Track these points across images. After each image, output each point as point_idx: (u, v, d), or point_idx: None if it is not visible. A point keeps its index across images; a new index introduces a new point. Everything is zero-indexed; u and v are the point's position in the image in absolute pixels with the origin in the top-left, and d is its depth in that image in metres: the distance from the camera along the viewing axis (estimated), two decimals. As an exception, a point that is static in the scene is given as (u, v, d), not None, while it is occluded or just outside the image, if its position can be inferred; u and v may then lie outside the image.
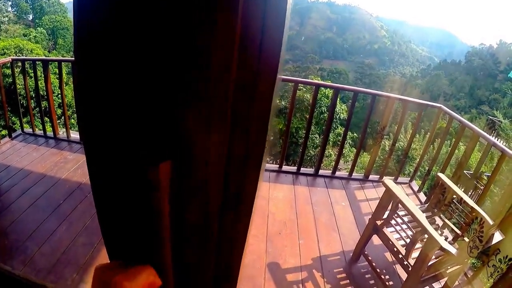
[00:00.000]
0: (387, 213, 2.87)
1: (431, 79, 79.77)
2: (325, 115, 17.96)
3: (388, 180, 2.85)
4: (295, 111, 17.82)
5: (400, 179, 4.97)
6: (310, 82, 5.06)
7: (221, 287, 0.54)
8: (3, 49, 24.94)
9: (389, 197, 2.80)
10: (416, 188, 4.77)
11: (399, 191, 2.71)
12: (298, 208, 3.91)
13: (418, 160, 5.13)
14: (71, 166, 4.48)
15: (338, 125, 18.59)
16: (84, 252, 3.01)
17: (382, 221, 2.87)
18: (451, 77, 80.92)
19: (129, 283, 0.41)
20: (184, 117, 0.38)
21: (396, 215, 2.81)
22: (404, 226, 2.83)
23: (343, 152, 19.56)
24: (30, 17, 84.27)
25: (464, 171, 5.80)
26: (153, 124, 0.37)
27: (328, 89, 17.87)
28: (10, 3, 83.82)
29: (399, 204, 2.69)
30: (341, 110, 19.06)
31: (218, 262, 0.54)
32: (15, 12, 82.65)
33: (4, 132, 5.33)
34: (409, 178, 5.00)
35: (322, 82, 5.25)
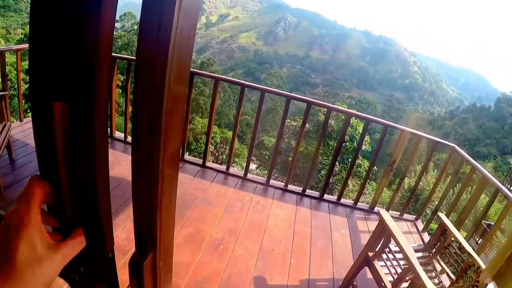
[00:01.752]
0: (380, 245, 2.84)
1: (459, 122, 78.67)
2: (347, 143, 17.89)
3: (383, 211, 2.82)
4: (316, 136, 17.85)
5: (406, 216, 4.86)
6: (322, 104, 5.00)
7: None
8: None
9: (382, 229, 2.77)
10: (421, 227, 4.68)
11: (393, 224, 2.68)
12: (297, 228, 3.90)
13: (431, 199, 5.03)
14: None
15: (359, 156, 18.43)
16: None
17: (374, 253, 2.85)
18: (479, 122, 79.65)
19: (26, 185, 0.55)
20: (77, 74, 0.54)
21: (388, 249, 2.78)
22: (395, 262, 2.77)
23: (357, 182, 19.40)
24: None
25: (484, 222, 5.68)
26: (57, 78, 0.54)
27: (353, 118, 17.89)
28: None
29: (392, 239, 2.66)
30: (363, 141, 18.92)
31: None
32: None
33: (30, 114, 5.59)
34: (415, 216, 4.91)
35: (334, 106, 5.12)
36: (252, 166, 34.95)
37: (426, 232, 4.61)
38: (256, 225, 3.75)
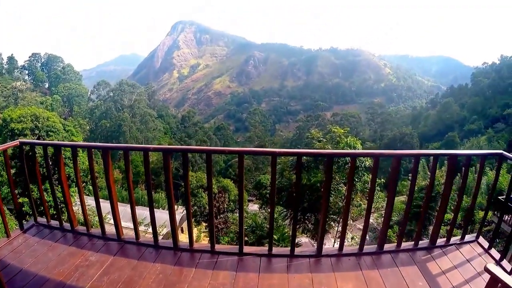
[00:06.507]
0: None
1: (442, 108, 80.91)
2: (349, 164, 17.48)
3: (493, 267, 2.38)
4: (317, 164, 17.54)
5: (467, 238, 4.43)
6: (289, 152, 4.95)
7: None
8: (19, 117, 26.24)
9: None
10: (486, 245, 4.26)
11: (508, 279, 2.25)
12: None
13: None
14: (95, 271, 3.82)
15: (364, 173, 17.85)
16: None
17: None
18: (461, 101, 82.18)
19: None
20: None
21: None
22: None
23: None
24: (46, 85, 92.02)
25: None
26: None
27: (350, 137, 17.86)
28: (27, 71, 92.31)
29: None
30: (365, 158, 18.38)
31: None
32: (32, 81, 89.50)
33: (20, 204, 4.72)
34: (475, 235, 4.50)
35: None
36: (254, 206, 34.13)
37: (493, 248, 4.20)
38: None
